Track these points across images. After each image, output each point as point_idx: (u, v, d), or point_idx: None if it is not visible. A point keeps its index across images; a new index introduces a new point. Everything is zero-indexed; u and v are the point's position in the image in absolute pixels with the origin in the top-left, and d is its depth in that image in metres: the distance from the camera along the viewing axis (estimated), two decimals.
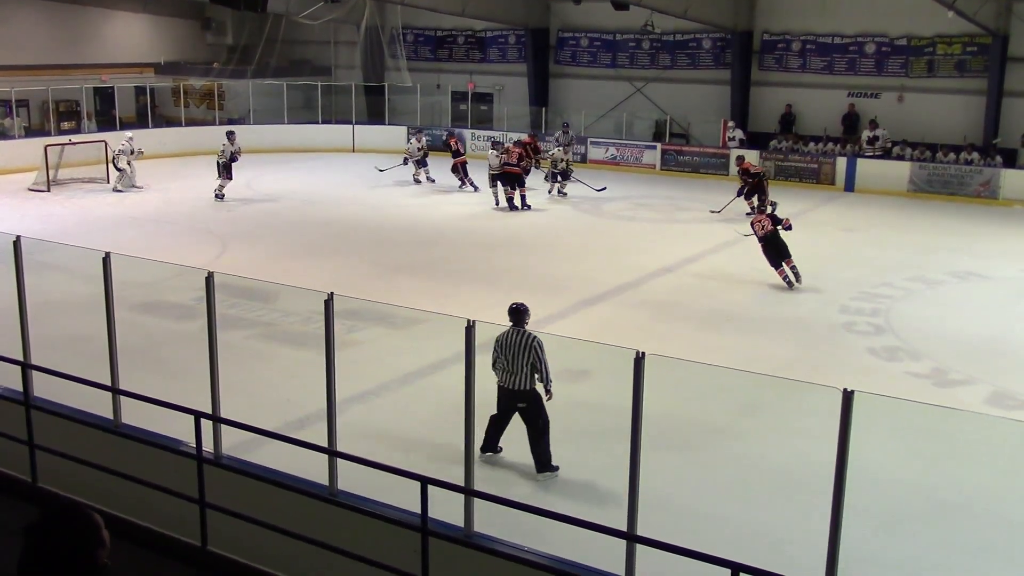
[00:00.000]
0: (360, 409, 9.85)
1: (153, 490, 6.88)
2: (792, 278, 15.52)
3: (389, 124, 32.38)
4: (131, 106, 32.66)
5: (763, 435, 10.11)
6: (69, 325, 11.49)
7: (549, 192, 24.07)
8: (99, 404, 7.58)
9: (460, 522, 6.04)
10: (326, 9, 29.91)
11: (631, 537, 5.53)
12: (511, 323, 8.61)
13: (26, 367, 7.72)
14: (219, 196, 22.67)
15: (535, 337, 8.47)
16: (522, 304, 8.74)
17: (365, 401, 10.23)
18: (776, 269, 15.62)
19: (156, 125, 30.65)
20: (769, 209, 16.72)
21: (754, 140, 28.03)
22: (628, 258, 17.78)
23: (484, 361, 6.02)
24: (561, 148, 24.59)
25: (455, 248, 18.63)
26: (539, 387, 8.52)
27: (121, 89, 31.32)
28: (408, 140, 27.05)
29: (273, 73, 33.75)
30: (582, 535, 5.50)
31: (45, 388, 7.83)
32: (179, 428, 7.17)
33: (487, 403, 8.09)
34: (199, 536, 6.75)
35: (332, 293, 6.30)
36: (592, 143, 29.61)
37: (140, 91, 32.87)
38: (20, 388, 7.72)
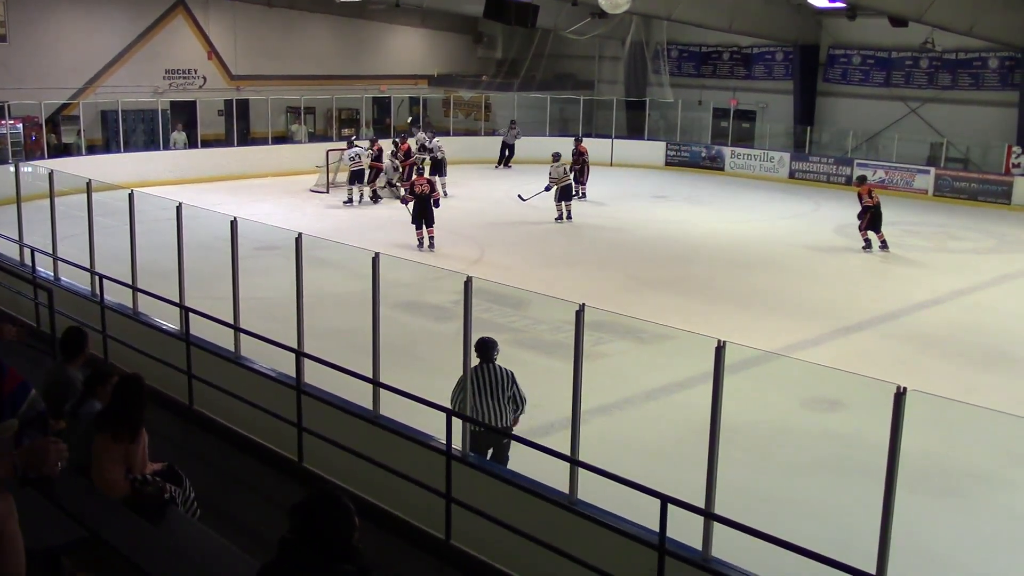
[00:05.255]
0: (603, 421, 9.89)
1: (403, 480, 7.23)
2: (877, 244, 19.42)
3: (648, 139, 32.45)
4: (405, 115, 34.52)
5: None
6: (336, 318, 12.27)
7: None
8: (359, 394, 8.05)
9: (697, 544, 5.94)
10: (593, 24, 30.34)
11: None
12: (480, 359, 8.02)
13: (299, 355, 8.31)
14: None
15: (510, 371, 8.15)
16: (490, 338, 8.21)
17: (609, 413, 10.27)
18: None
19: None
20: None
21: None
22: (892, 287, 16.88)
23: (732, 382, 5.89)
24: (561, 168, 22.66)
25: (710, 266, 18.36)
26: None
27: (396, 99, 33.18)
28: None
29: (538, 86, 34.62)
30: (823, 571, 5.27)
31: (312, 375, 8.40)
32: (431, 424, 7.50)
33: (732, 425, 7.94)
34: (443, 529, 7.02)
35: (583, 304, 6.38)
36: (859, 164, 28.32)
37: (414, 101, 34.69)
38: (293, 374, 8.32)
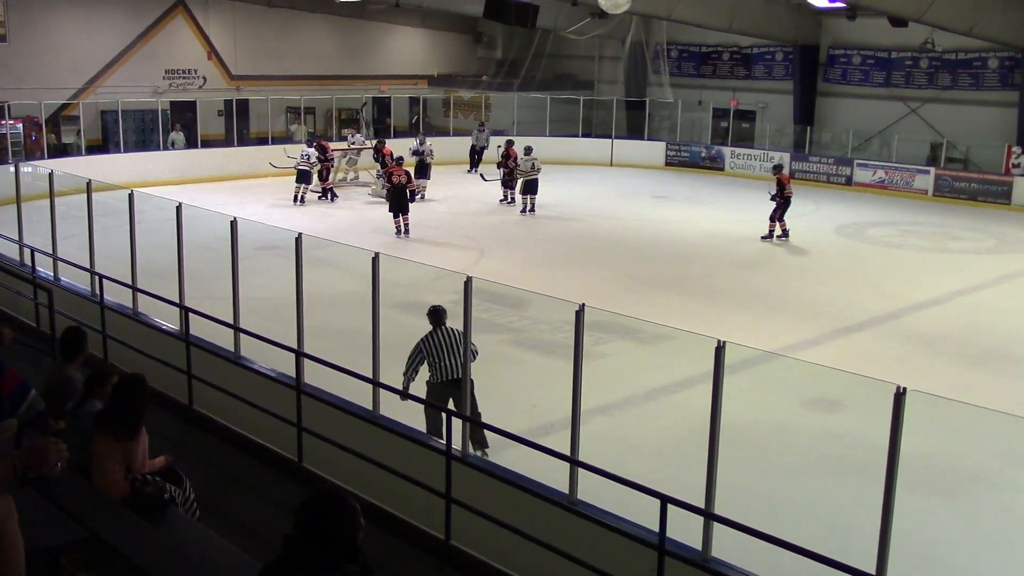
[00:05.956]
0: (603, 421, 9.89)
1: (403, 480, 7.23)
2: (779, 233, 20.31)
3: (648, 140, 32.45)
4: (404, 115, 34.49)
5: None
6: (336, 318, 12.26)
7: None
8: (359, 394, 8.04)
9: (697, 544, 5.94)
10: (592, 25, 30.34)
11: None
12: (434, 325, 9.09)
13: (299, 355, 8.30)
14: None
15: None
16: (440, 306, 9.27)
17: (609, 413, 10.27)
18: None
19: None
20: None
21: None
22: (892, 287, 16.87)
23: (732, 382, 5.88)
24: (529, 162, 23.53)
25: (710, 266, 18.36)
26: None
27: (396, 99, 33.12)
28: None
29: (538, 86, 34.59)
30: (823, 571, 5.27)
31: (312, 375, 8.40)
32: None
33: (732, 425, 7.95)
34: (443, 529, 7.02)
35: (583, 304, 6.37)
36: (859, 165, 28.31)
37: (414, 101, 34.65)
38: (293, 374, 8.31)
